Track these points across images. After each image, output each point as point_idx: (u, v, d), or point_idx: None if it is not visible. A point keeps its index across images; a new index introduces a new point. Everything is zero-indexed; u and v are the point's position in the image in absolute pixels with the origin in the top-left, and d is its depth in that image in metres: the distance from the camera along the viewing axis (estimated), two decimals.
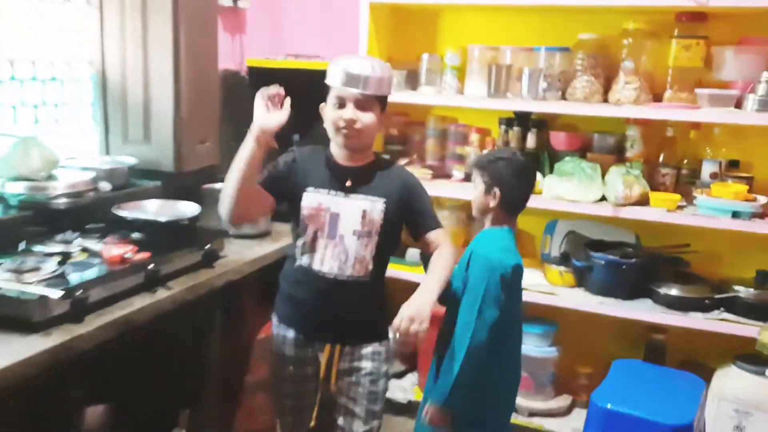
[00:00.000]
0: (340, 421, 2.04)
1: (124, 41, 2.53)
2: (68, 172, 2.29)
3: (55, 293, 1.64)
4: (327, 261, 1.95)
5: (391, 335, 1.95)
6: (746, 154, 2.80)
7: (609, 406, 1.92)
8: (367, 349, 2.01)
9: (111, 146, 2.63)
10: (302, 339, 2.01)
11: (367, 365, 2.01)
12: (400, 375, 3.22)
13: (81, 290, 1.70)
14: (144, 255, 1.96)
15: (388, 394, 2.22)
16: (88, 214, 2.19)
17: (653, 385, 2.11)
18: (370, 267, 1.96)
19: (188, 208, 2.33)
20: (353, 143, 1.94)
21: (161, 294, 1.93)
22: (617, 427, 1.90)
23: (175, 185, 2.60)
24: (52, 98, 2.49)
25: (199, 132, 2.65)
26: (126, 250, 1.94)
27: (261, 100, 1.84)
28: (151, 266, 1.93)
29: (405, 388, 3.12)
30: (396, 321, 1.75)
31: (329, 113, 1.93)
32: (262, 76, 3.22)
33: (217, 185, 2.84)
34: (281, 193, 1.99)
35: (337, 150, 1.99)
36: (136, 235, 2.12)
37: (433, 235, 1.97)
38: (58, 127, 2.51)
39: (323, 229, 1.95)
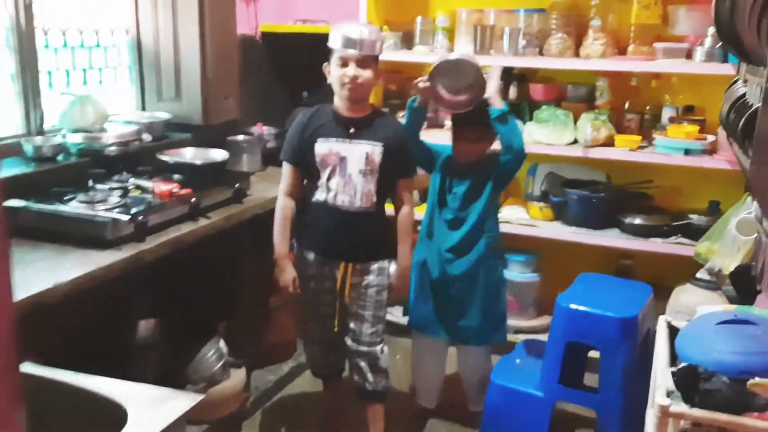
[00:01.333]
0: (352, 324, 2.47)
1: (156, 11, 2.89)
2: (115, 125, 2.68)
3: (124, 217, 2.06)
4: (340, 196, 2.36)
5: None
6: (700, 100, 3.17)
7: (570, 305, 2.33)
8: (374, 266, 2.44)
9: (147, 103, 3.01)
10: (321, 259, 2.43)
11: (373, 279, 2.43)
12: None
13: (142, 216, 2.11)
14: (187, 191, 2.36)
15: (392, 318, 2.71)
16: (134, 159, 2.58)
17: (608, 290, 2.50)
18: (374, 200, 2.38)
19: (219, 154, 2.72)
20: (356, 95, 2.33)
21: (203, 222, 2.34)
22: (576, 321, 2.32)
23: (203, 136, 2.97)
24: (96, 63, 2.85)
25: (222, 90, 3.02)
26: (172, 187, 2.34)
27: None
28: (193, 199, 2.34)
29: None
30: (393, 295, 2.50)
31: (334, 71, 2.32)
32: (274, 40, 3.59)
33: (239, 137, 3.24)
34: (304, 157, 2.38)
35: (340, 103, 2.38)
36: (177, 176, 2.51)
37: (401, 182, 2.44)
38: (101, 88, 2.88)
39: (335, 170, 2.35)
